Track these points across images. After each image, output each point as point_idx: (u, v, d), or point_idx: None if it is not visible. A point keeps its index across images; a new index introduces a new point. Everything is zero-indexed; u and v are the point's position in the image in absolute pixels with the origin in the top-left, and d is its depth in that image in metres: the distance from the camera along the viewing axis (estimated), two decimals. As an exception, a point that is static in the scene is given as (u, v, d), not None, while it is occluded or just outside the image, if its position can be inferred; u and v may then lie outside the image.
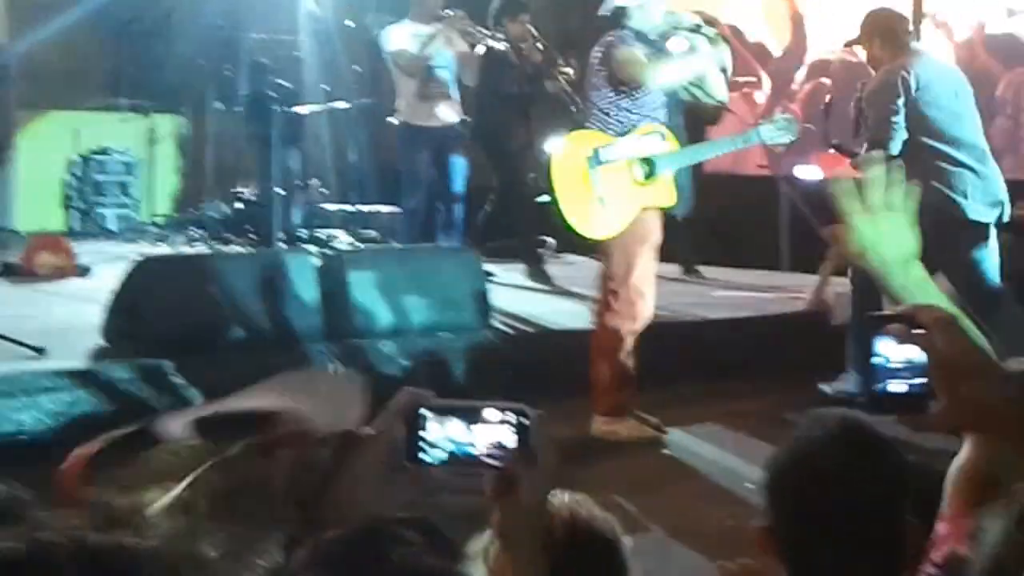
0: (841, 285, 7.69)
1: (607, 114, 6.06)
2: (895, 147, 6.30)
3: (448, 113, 9.29)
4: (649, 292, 6.14)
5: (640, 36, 6.09)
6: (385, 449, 1.50)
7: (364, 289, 6.78)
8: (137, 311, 6.23)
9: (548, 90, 9.37)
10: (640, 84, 5.95)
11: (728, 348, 7.59)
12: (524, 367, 6.81)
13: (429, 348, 6.74)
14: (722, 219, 10.41)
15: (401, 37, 9.21)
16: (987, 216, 6.42)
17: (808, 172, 9.18)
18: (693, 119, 7.92)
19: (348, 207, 12.12)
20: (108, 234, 12.76)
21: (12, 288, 8.60)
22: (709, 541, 4.51)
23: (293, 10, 13.28)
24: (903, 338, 1.59)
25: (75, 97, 13.77)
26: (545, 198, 6.29)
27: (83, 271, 9.40)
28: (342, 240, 11.46)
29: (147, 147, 13.81)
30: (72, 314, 7.38)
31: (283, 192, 11.38)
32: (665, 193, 6.10)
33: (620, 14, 6.14)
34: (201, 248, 11.29)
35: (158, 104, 13.99)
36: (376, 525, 1.37)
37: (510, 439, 1.50)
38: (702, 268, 10.32)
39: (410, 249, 8.38)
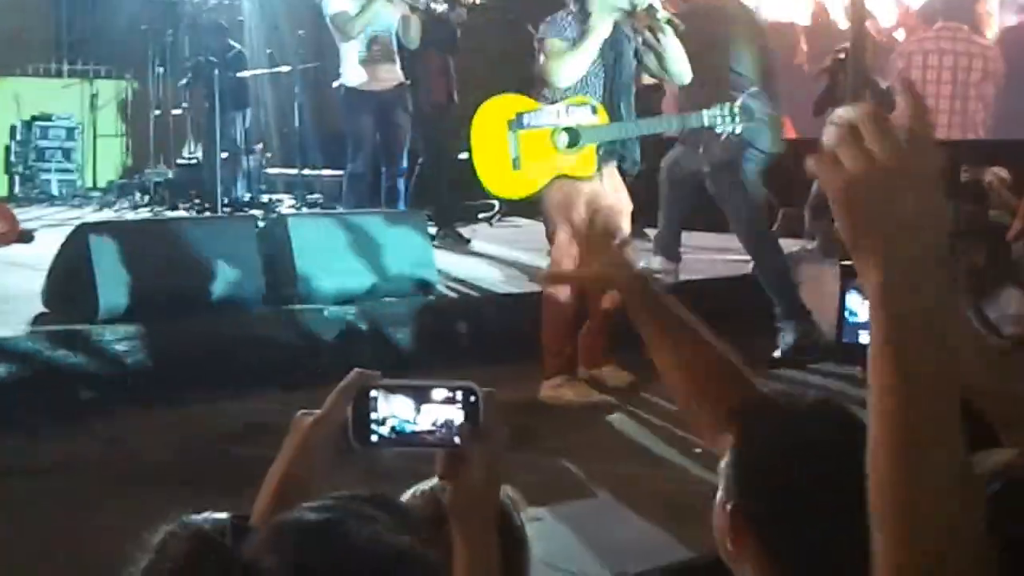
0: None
1: (537, 79, 6.15)
2: None
3: (390, 76, 9.23)
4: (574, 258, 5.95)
5: (581, 17, 6.08)
6: (335, 431, 1.48)
7: (308, 254, 6.74)
8: (77, 277, 6.16)
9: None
10: (550, 84, 6.05)
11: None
12: (472, 331, 6.83)
13: (374, 313, 6.70)
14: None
15: (341, 0, 9.14)
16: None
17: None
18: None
19: (291, 171, 12.07)
20: (51, 200, 12.66)
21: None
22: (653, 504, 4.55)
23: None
24: None
25: (17, 62, 13.62)
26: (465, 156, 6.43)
27: (26, 237, 9.27)
28: (286, 204, 11.44)
29: (90, 113, 13.69)
30: (13, 281, 7.30)
31: (227, 157, 11.32)
32: (585, 164, 6.10)
33: None
34: (145, 213, 11.23)
35: (101, 69, 13.87)
36: (337, 504, 1.35)
37: (459, 417, 1.49)
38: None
39: (356, 213, 8.35)
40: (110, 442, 5.31)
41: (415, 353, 6.59)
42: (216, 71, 10.80)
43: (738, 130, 6.20)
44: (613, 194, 6.26)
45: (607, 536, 4.32)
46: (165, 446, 5.22)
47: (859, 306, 1.85)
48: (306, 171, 11.59)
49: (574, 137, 6.01)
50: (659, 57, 6.14)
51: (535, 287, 7.64)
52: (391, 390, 1.48)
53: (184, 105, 12.67)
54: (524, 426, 5.24)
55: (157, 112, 12.67)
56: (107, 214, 10.99)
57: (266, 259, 6.63)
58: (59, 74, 13.91)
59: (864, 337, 1.73)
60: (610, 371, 6.34)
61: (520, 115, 6.04)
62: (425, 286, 7.11)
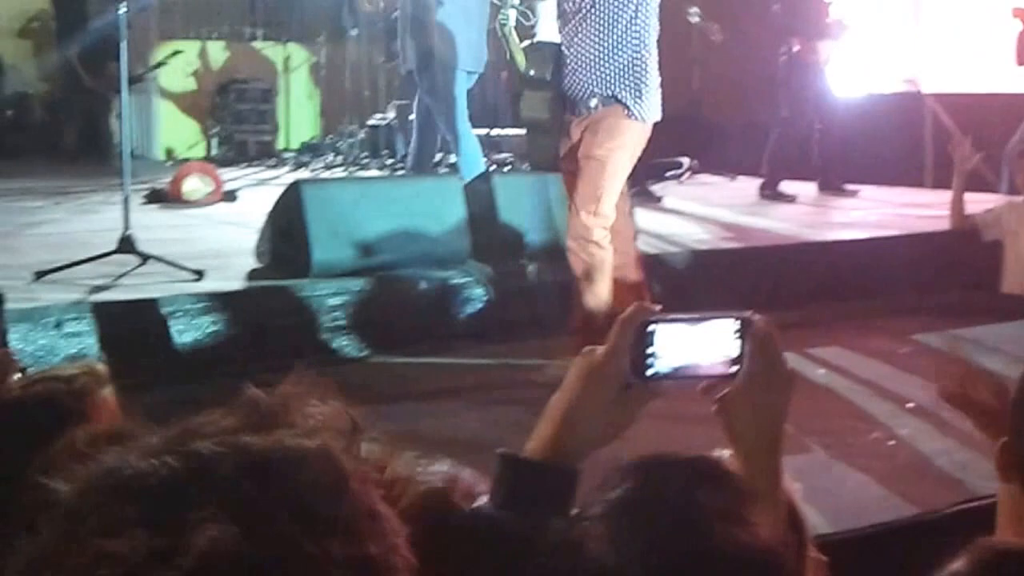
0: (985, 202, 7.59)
1: None
2: None
3: None
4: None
5: None
6: (618, 366, 1.47)
7: (510, 210, 6.81)
8: (290, 234, 6.33)
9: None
10: None
11: (868, 268, 7.49)
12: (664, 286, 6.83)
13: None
14: (863, 137, 10.22)
15: None
16: None
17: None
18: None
19: (480, 131, 12.12)
20: (248, 160, 12.97)
21: (162, 214, 8.78)
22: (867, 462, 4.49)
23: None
24: None
25: (214, 27, 13.98)
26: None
27: (230, 196, 9.57)
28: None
29: (284, 75, 13.97)
30: (224, 238, 7.53)
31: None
32: None
33: None
34: (339, 173, 11.44)
35: (294, 33, 14.14)
36: (665, 484, 1.28)
37: (735, 348, 1.49)
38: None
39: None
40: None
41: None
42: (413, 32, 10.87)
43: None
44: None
45: (824, 492, 4.28)
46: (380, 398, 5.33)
47: None
48: (495, 131, 11.65)
49: None
50: None
51: (733, 243, 7.63)
52: (669, 323, 1.48)
53: (375, 67, 12.84)
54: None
55: (349, 73, 12.84)
56: (303, 174, 11.21)
57: (471, 216, 6.71)
58: (254, 38, 14.23)
59: None
60: None
61: None
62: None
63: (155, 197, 9.23)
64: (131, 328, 5.58)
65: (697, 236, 7.96)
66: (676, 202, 9.67)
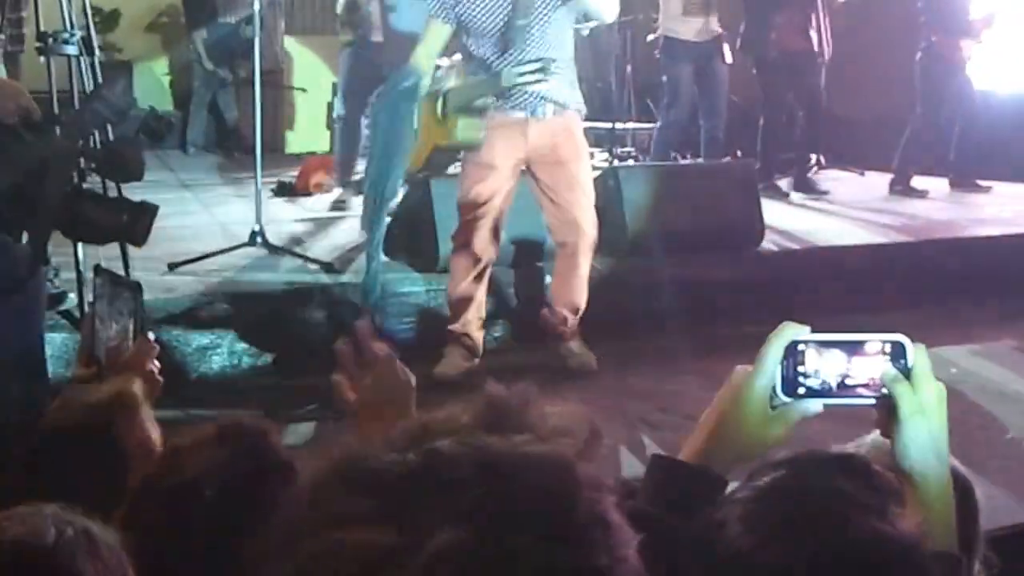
0: None
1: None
2: None
3: (709, 27, 9.20)
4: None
5: None
6: (769, 384, 1.48)
7: (635, 205, 6.79)
8: (418, 227, 6.38)
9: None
10: None
11: (1001, 266, 7.33)
12: (797, 283, 6.75)
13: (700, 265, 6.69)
14: (995, 132, 9.98)
15: None
16: None
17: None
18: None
19: (604, 125, 12.11)
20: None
21: (291, 207, 8.90)
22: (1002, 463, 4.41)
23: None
24: None
25: (335, 21, 14.12)
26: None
27: (357, 190, 9.66)
28: (597, 158, 11.49)
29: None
30: (351, 231, 7.61)
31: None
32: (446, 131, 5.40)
33: None
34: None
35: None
36: (809, 472, 1.33)
37: (888, 370, 1.48)
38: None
39: (684, 164, 8.34)
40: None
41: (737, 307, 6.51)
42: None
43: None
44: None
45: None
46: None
47: None
48: (618, 125, 11.63)
49: (443, 103, 5.38)
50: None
51: (862, 239, 7.52)
52: (819, 343, 1.48)
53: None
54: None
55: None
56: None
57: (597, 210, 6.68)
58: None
59: None
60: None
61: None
62: (752, 238, 7.06)
63: (283, 190, 9.36)
64: (262, 319, 5.67)
65: (824, 232, 7.86)
66: (803, 198, 9.56)
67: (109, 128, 3.94)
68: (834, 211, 9.02)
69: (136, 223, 2.81)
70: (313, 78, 13.15)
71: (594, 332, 5.82)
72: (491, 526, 0.91)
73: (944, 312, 6.67)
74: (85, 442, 1.77)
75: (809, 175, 9.95)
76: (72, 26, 4.84)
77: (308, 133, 13.21)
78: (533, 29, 5.30)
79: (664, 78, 9.66)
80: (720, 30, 9.28)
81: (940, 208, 9.12)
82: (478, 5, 5.31)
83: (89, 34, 4.94)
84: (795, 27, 9.37)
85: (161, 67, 13.35)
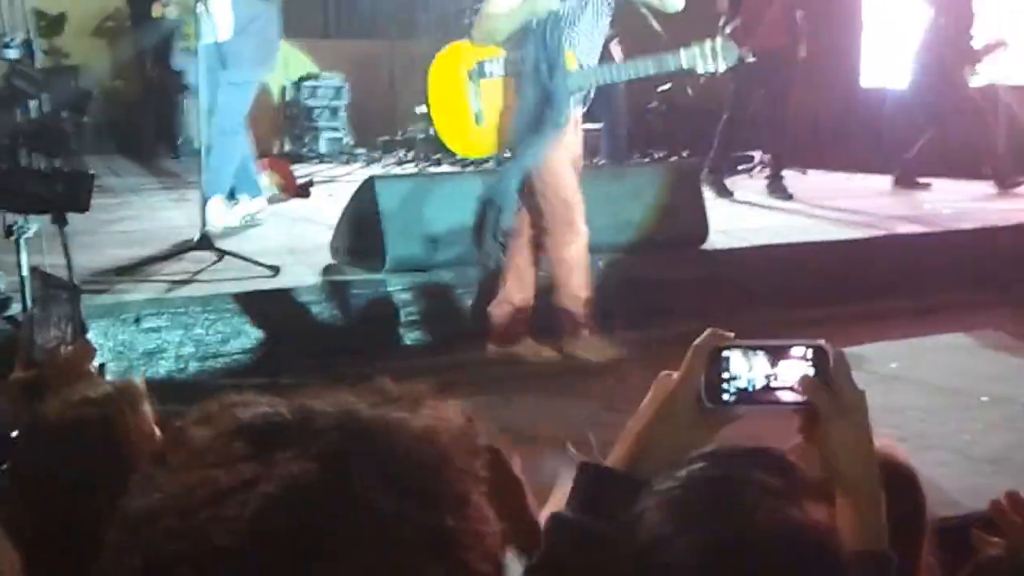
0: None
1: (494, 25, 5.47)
2: None
3: None
4: (579, 204, 5.64)
5: None
6: (695, 391, 1.51)
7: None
8: (364, 229, 6.38)
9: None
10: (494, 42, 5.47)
11: (947, 261, 7.43)
12: (742, 281, 6.81)
13: (647, 263, 6.74)
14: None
15: None
16: None
17: None
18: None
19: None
20: (320, 157, 13.07)
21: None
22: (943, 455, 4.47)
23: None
24: None
25: (288, 24, 14.07)
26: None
27: (304, 193, 9.67)
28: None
29: (356, 72, 14.05)
30: (298, 234, 7.61)
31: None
32: None
33: None
34: (410, 169, 11.52)
35: (367, 29, 14.21)
36: (727, 466, 1.36)
37: (810, 375, 1.51)
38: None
39: (631, 166, 8.39)
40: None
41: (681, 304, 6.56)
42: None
43: (721, 69, 5.38)
44: (578, 143, 5.78)
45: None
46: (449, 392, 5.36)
47: None
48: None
49: None
50: None
51: (808, 236, 7.59)
52: (743, 349, 1.51)
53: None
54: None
55: (420, 70, 12.87)
56: (374, 170, 11.29)
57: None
58: (327, 35, 14.33)
59: None
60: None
61: (481, 63, 5.44)
62: (697, 237, 7.11)
63: (228, 194, 9.31)
64: (209, 323, 5.66)
65: (770, 229, 7.93)
66: (747, 195, 9.65)
67: (38, 104, 3.95)
68: (780, 209, 9.13)
69: (75, 190, 2.83)
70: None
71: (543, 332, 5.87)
72: (341, 468, 0.99)
73: (887, 307, 6.77)
74: (88, 435, 1.79)
75: (780, 178, 9.97)
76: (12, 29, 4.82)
77: (255, 136, 13.15)
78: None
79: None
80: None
81: (879, 207, 9.22)
82: None
83: (30, 37, 4.92)
84: (776, 24, 9.44)
85: (106, 70, 13.26)
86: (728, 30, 9.08)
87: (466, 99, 5.46)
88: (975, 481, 4.16)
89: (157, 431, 1.83)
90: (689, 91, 10.12)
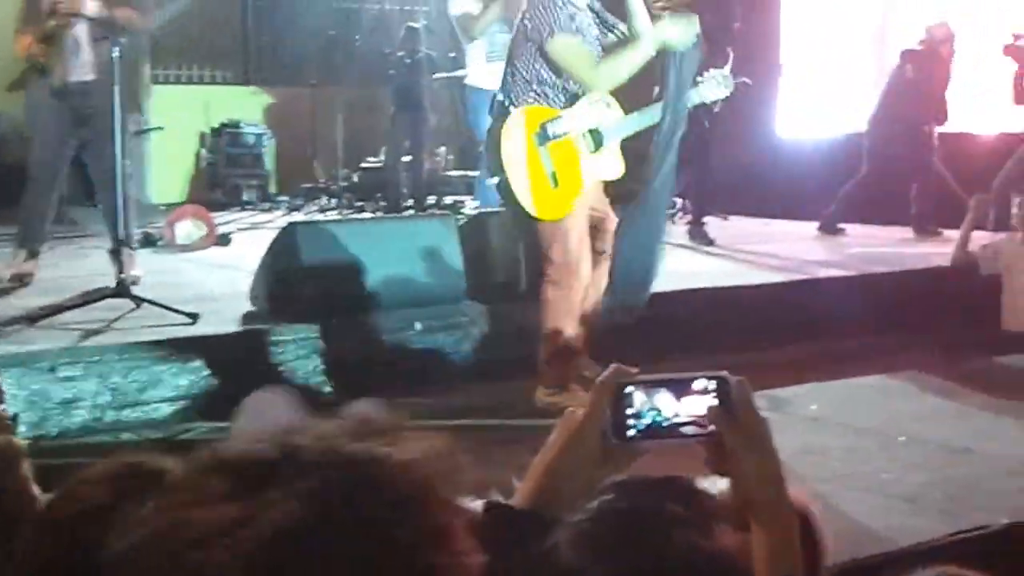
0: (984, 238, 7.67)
1: (546, 84, 5.56)
2: None
3: None
4: (587, 258, 5.67)
5: (579, 8, 5.60)
6: (601, 427, 1.51)
7: (506, 250, 6.83)
8: (285, 276, 6.34)
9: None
10: (585, 87, 5.58)
11: (867, 304, 7.52)
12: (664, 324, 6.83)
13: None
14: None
15: (464, 1, 9.31)
16: None
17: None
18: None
19: (473, 173, 12.22)
20: (241, 205, 13.00)
21: (157, 257, 8.79)
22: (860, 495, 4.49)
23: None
24: None
25: (207, 72, 14.04)
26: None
27: (224, 240, 9.59)
28: (469, 206, 11.57)
29: (276, 118, 14.02)
30: (218, 281, 7.54)
31: (410, 159, 11.56)
32: (613, 164, 5.71)
33: None
34: (333, 216, 11.48)
35: (285, 76, 14.20)
36: (636, 497, 1.37)
37: (714, 407, 1.51)
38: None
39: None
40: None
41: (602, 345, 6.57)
42: (408, 74, 11.06)
43: (727, 94, 5.66)
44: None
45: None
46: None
47: None
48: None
49: (598, 139, 5.59)
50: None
51: (732, 280, 7.64)
52: (647, 384, 1.51)
53: (370, 108, 12.92)
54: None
55: (342, 117, 12.88)
56: (296, 217, 11.25)
57: (467, 256, 6.72)
58: (247, 82, 14.29)
59: None
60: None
61: (543, 126, 5.51)
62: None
63: (148, 241, 9.24)
64: (125, 371, 5.57)
65: (688, 274, 7.97)
66: (668, 240, 9.70)
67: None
68: (702, 253, 9.20)
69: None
70: (177, 128, 13.04)
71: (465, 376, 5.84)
72: (327, 506, 0.99)
73: (808, 350, 6.83)
74: None
75: (701, 224, 10.02)
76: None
77: (175, 183, 13.09)
78: None
79: (473, 127, 9.72)
80: None
81: (800, 250, 9.32)
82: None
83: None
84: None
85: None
86: None
87: (540, 163, 5.51)
88: (893, 520, 4.19)
89: (37, 489, 1.80)
90: (706, 123, 10.11)
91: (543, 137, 5.51)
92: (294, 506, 0.98)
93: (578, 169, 5.57)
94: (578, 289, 5.67)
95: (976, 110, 11.10)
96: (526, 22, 5.61)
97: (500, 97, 5.69)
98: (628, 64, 5.54)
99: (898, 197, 10.35)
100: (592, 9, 5.73)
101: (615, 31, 5.75)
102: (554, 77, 5.56)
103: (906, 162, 10.20)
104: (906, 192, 10.36)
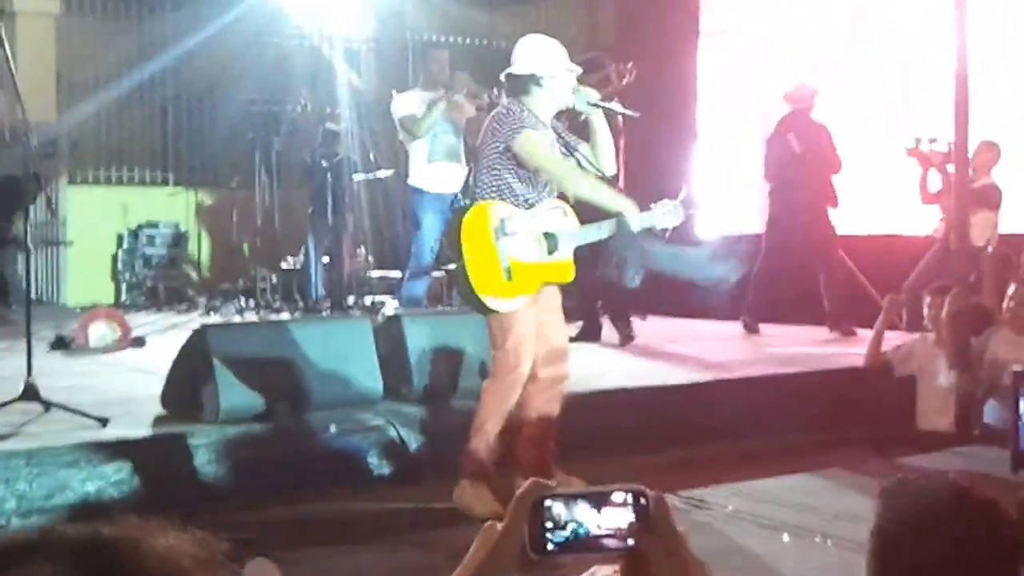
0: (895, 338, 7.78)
1: (509, 186, 5.73)
2: None
3: (453, 177, 8.84)
4: (530, 356, 5.77)
5: (534, 116, 5.80)
6: (520, 541, 1.51)
7: (421, 352, 6.81)
8: (197, 379, 6.26)
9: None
10: (554, 177, 5.81)
11: (786, 404, 7.57)
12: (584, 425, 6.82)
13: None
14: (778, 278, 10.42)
15: (409, 103, 9.41)
16: None
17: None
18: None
19: (393, 274, 12.22)
20: (158, 306, 12.88)
21: (69, 360, 8.66)
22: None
23: (332, 83, 13.54)
24: None
25: (123, 172, 13.98)
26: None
27: (138, 342, 9.47)
28: (389, 306, 11.54)
29: (195, 220, 13.96)
30: (130, 384, 7.43)
31: (329, 261, 11.54)
32: (565, 269, 5.85)
33: (529, 80, 5.80)
34: (251, 317, 11.40)
35: (204, 177, 14.18)
36: None
37: (631, 520, 1.52)
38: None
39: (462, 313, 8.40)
40: (246, 542, 5.33)
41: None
42: (327, 176, 11.09)
43: (678, 223, 5.91)
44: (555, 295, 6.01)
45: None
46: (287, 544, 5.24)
47: None
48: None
49: (553, 243, 5.76)
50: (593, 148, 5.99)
51: (650, 380, 7.65)
52: (565, 498, 1.51)
53: (288, 210, 12.91)
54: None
55: (261, 218, 12.86)
56: (213, 319, 11.15)
57: (382, 358, 6.70)
58: (165, 182, 14.25)
59: None
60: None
61: (503, 221, 5.68)
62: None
63: (60, 344, 9.10)
64: (32, 477, 5.45)
65: (606, 374, 7.98)
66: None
67: None
68: (621, 352, 9.23)
69: None
70: (94, 230, 12.94)
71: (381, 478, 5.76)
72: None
73: (726, 449, 6.84)
74: None
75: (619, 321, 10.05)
76: None
77: (91, 285, 12.95)
78: None
79: (414, 228, 9.78)
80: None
81: (720, 350, 9.38)
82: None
83: None
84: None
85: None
86: None
87: (495, 256, 5.66)
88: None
89: None
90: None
91: (501, 232, 5.66)
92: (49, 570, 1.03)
93: (532, 268, 5.70)
94: (513, 385, 5.72)
95: (884, 211, 11.27)
96: (494, 124, 5.77)
97: (462, 199, 5.90)
98: (607, 197, 5.85)
99: (812, 297, 10.45)
100: (556, 130, 5.91)
101: (576, 152, 5.94)
102: (517, 181, 5.72)
103: (807, 252, 10.26)
104: (816, 289, 10.44)
